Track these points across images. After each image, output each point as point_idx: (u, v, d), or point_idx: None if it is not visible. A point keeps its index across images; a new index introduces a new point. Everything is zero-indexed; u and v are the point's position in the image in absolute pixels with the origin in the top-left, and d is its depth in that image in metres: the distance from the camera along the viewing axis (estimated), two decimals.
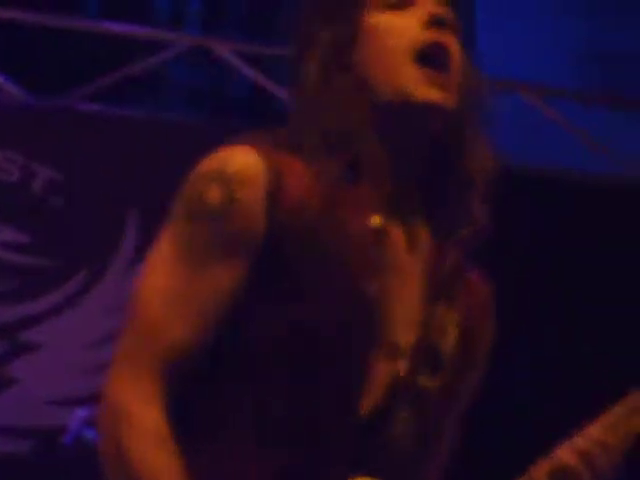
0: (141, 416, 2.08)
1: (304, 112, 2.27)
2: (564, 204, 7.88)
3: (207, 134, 7.19)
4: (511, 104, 7.49)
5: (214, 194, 2.14)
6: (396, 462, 2.29)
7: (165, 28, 8.90)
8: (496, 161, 2.28)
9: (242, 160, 2.14)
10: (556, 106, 7.90)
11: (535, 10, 9.26)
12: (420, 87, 2.13)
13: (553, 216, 7.71)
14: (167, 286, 2.15)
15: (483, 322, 2.39)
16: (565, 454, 2.10)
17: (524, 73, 8.27)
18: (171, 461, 2.06)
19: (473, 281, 2.34)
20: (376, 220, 2.16)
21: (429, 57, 2.12)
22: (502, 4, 9.31)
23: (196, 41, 7.84)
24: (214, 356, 2.18)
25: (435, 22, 2.16)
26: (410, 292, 2.23)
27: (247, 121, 8.23)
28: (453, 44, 2.17)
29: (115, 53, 7.98)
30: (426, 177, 2.25)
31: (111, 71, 7.43)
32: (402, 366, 2.17)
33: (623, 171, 7.88)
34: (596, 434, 2.13)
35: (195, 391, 2.16)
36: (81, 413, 6.57)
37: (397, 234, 2.22)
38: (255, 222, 2.10)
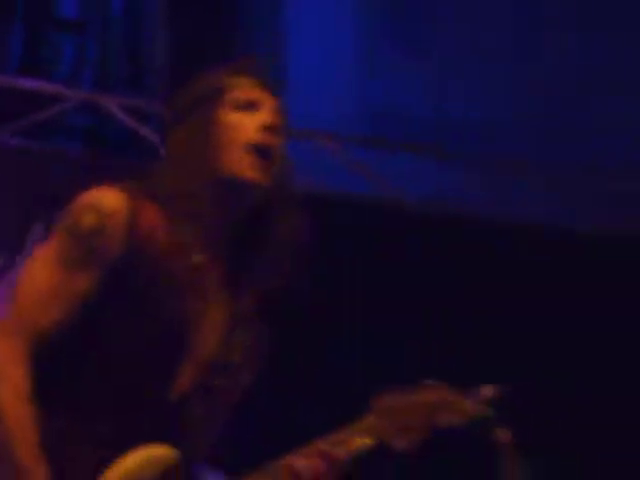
0: (10, 372, 2.58)
1: (164, 172, 2.87)
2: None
3: (90, 165, 8.84)
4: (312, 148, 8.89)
5: (88, 220, 2.67)
6: (190, 434, 2.87)
7: (66, 84, 9.83)
8: (303, 228, 2.89)
9: (112, 199, 2.69)
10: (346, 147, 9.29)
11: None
12: (246, 170, 2.72)
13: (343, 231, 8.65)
14: (42, 280, 2.68)
15: (260, 340, 3.01)
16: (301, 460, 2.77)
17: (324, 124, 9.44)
18: (27, 412, 2.57)
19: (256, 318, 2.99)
20: (198, 258, 2.73)
21: (257, 151, 2.75)
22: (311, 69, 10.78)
23: (88, 96, 9.33)
24: (65, 345, 2.70)
25: (268, 128, 2.78)
26: (217, 317, 2.83)
27: (124, 158, 9.58)
28: (277, 143, 2.80)
29: (28, 102, 9.09)
30: (246, 236, 2.84)
31: (25, 115, 8.85)
32: (202, 370, 2.78)
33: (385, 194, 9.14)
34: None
35: (50, 366, 2.68)
36: None
37: (213, 274, 2.79)
38: (114, 245, 2.65)
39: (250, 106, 2.85)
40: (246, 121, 2.80)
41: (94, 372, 2.71)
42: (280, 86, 3.06)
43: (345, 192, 9.22)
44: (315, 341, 8.21)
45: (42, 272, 2.67)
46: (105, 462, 2.64)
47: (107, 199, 2.68)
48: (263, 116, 2.81)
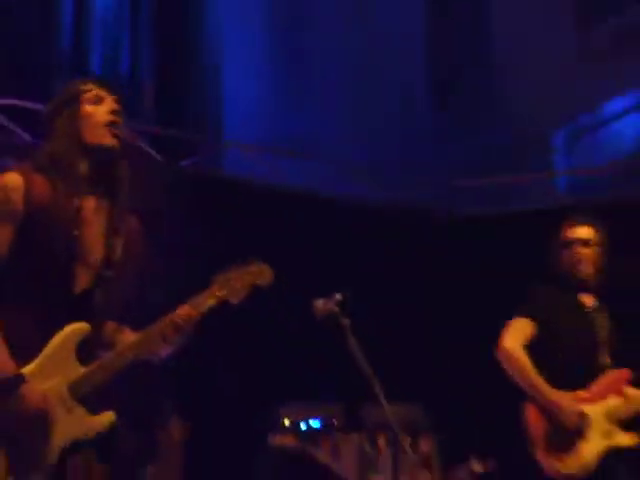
0: None
1: (47, 149, 3.65)
2: None
3: None
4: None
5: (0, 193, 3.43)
6: (95, 318, 3.54)
7: None
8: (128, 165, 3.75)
9: (12, 177, 3.48)
10: None
11: None
12: (105, 139, 3.59)
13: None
14: None
15: (135, 242, 3.76)
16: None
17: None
18: None
19: (132, 219, 3.79)
20: (77, 202, 3.53)
21: (109, 126, 3.59)
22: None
23: None
24: (12, 263, 3.46)
25: (113, 112, 3.65)
26: (97, 231, 3.59)
27: None
28: (119, 120, 3.66)
29: None
30: (105, 179, 3.64)
31: None
32: (94, 268, 3.52)
33: None
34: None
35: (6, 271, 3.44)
36: None
37: (89, 207, 3.58)
38: (17, 206, 3.43)
39: (99, 100, 3.70)
40: (99, 110, 3.67)
41: (22, 281, 3.50)
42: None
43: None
44: None
45: None
46: (42, 339, 3.38)
47: (9, 178, 3.51)
48: (108, 105, 3.69)
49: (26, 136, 9.21)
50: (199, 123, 11.74)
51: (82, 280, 3.48)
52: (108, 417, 3.44)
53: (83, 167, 3.57)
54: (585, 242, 5.27)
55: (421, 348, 9.23)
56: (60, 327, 3.38)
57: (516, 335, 5.06)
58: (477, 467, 3.48)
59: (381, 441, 8.20)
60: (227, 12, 13.14)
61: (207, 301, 3.62)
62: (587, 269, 5.24)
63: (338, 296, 4.40)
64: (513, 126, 12.55)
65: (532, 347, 5.02)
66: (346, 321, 4.36)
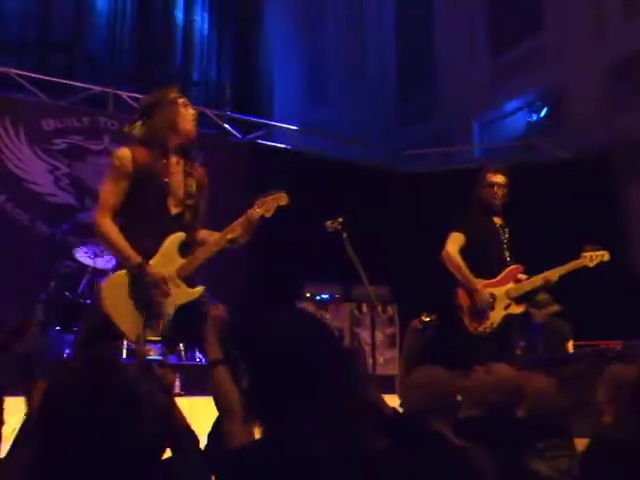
0: (112, 227, 3.25)
1: (145, 132, 3.44)
2: None
3: None
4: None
5: (116, 163, 3.34)
6: (187, 229, 3.40)
7: None
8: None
9: (124, 151, 3.36)
10: None
11: None
12: (190, 129, 3.45)
13: None
14: (107, 188, 3.32)
15: (203, 181, 3.56)
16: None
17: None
18: (120, 234, 3.24)
19: (199, 168, 3.57)
20: (165, 162, 3.37)
21: (192, 124, 3.46)
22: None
23: None
24: (125, 207, 3.30)
25: (194, 115, 3.50)
26: (179, 177, 3.42)
27: None
28: (197, 120, 3.50)
29: None
30: (182, 147, 3.44)
31: None
32: (180, 198, 3.38)
33: None
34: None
35: (120, 213, 3.29)
36: None
37: (173, 163, 3.41)
38: (129, 169, 3.31)
39: (187, 105, 3.52)
40: (188, 112, 3.51)
41: (137, 207, 3.35)
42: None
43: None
44: None
45: (107, 185, 3.37)
46: (156, 245, 3.29)
47: (121, 152, 3.40)
48: (192, 110, 3.53)
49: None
50: (259, 110, 11.71)
51: (174, 207, 3.39)
52: (200, 289, 3.39)
53: (171, 141, 3.44)
54: (501, 184, 5.01)
55: (391, 252, 9.12)
56: (166, 236, 3.32)
57: (454, 243, 4.86)
58: (425, 317, 3.41)
59: (364, 308, 8.33)
60: (276, 37, 13.24)
61: (254, 214, 3.45)
62: (500, 202, 4.98)
63: (339, 218, 4.45)
64: (448, 116, 12.72)
65: (463, 251, 4.82)
66: (345, 234, 4.42)
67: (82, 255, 7.13)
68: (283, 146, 10.10)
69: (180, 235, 3.35)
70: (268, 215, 3.55)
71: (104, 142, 8.20)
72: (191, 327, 3.24)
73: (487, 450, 2.22)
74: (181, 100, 3.47)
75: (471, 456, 2.06)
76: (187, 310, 3.30)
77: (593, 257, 4.87)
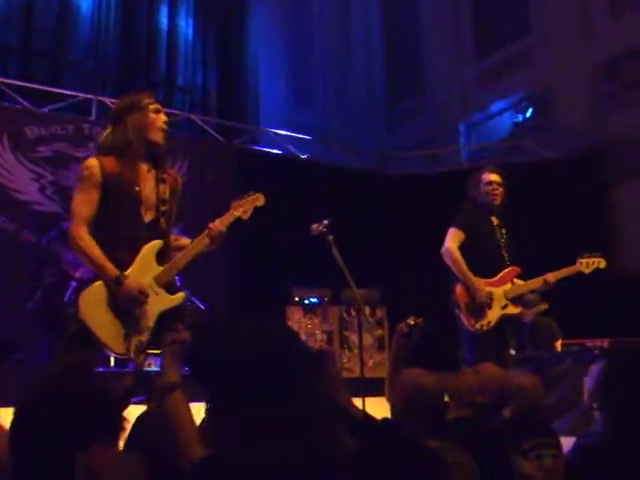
0: (85, 236, 3.17)
1: (114, 140, 3.35)
2: None
3: None
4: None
5: (85, 173, 3.26)
6: (163, 236, 3.36)
7: None
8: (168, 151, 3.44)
9: (91, 161, 3.29)
10: None
11: None
12: (159, 138, 3.36)
13: None
14: (78, 199, 3.23)
15: (177, 186, 3.51)
16: None
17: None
18: (94, 245, 3.16)
19: (172, 172, 3.53)
20: (136, 170, 3.31)
21: (163, 131, 3.35)
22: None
23: None
24: (97, 218, 3.20)
25: (165, 122, 3.40)
26: (150, 184, 3.36)
27: None
28: (167, 128, 3.41)
29: None
30: (153, 155, 3.36)
31: None
32: (153, 206, 3.32)
33: None
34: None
35: (94, 226, 3.19)
36: None
37: (143, 171, 3.35)
38: (98, 178, 3.23)
39: (157, 111, 3.42)
40: (158, 118, 3.41)
41: (109, 217, 3.28)
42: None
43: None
44: None
45: (78, 196, 3.27)
46: (132, 254, 3.26)
47: (90, 162, 3.32)
48: (163, 117, 3.43)
49: None
50: (245, 115, 11.70)
51: (147, 215, 3.33)
52: (181, 295, 3.36)
53: (142, 150, 3.36)
54: (498, 184, 5.01)
55: (380, 255, 9.18)
56: (141, 245, 3.29)
57: (453, 240, 4.84)
58: (411, 321, 3.35)
59: (352, 310, 8.35)
60: (261, 42, 13.24)
61: (228, 219, 3.46)
62: (497, 201, 4.99)
63: (325, 221, 4.42)
64: (435, 118, 12.76)
65: (462, 248, 4.81)
66: (330, 237, 4.40)
67: (68, 264, 7.08)
68: (270, 151, 10.10)
69: (157, 243, 3.32)
70: (245, 217, 3.53)
71: (89, 149, 8.12)
72: (171, 335, 3.19)
73: (467, 449, 2.20)
74: (152, 106, 3.38)
75: (444, 459, 2.06)
76: (169, 317, 3.27)
77: (589, 263, 4.94)
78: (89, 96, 8.83)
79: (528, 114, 11.53)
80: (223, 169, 9.05)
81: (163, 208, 3.37)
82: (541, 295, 6.37)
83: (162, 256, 3.34)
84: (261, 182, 8.09)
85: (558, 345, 6.67)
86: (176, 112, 9.72)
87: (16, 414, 1.43)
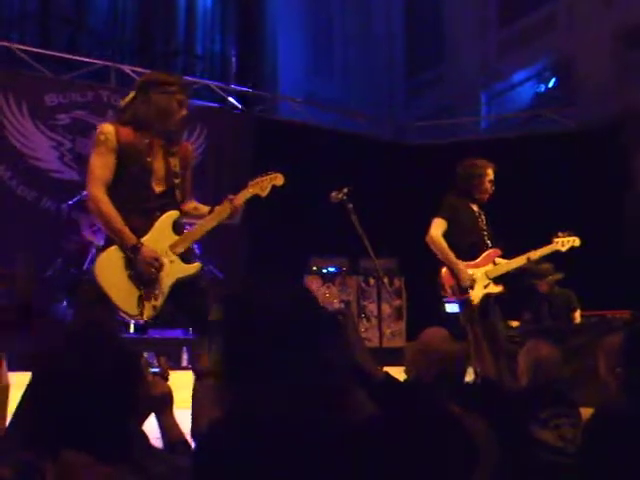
0: (103, 198, 3.23)
1: (134, 111, 3.42)
2: None
3: None
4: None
5: (102, 137, 3.32)
6: (178, 206, 3.46)
7: None
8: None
9: (107, 126, 3.36)
10: None
11: None
12: (178, 116, 3.42)
13: None
14: (96, 162, 3.30)
15: (189, 158, 3.60)
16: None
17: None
18: (113, 209, 3.22)
19: (184, 145, 3.61)
20: (148, 143, 3.36)
21: (183, 107, 3.42)
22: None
23: None
24: (114, 182, 3.27)
25: (184, 116, 3.46)
26: (160, 157, 3.42)
27: None
28: (186, 107, 3.46)
29: None
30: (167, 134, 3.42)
31: None
32: (163, 179, 3.39)
33: None
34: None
35: (110, 189, 3.26)
36: None
37: (156, 146, 3.40)
38: (113, 144, 3.29)
39: (181, 104, 3.47)
40: (180, 112, 3.47)
41: (122, 184, 3.33)
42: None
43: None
44: None
45: (96, 159, 3.33)
46: (146, 223, 3.34)
47: (106, 127, 3.40)
48: (184, 112, 3.49)
49: None
50: (263, 84, 11.64)
51: (158, 186, 3.39)
52: (197, 265, 3.44)
53: (157, 127, 3.42)
54: (491, 180, 5.21)
55: (399, 224, 8.97)
56: (153, 215, 3.37)
57: (437, 228, 5.06)
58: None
59: (371, 280, 8.36)
60: (280, 8, 13.12)
61: (245, 195, 3.58)
62: (486, 195, 5.23)
63: (345, 190, 4.56)
64: (456, 88, 12.64)
65: (446, 236, 5.03)
66: (350, 205, 4.54)
67: (88, 231, 7.10)
68: (288, 119, 10.04)
69: (174, 213, 3.39)
70: (263, 194, 3.65)
71: (108, 117, 8.12)
72: (187, 303, 3.33)
73: (485, 419, 2.20)
74: (179, 96, 3.43)
75: (467, 424, 2.05)
76: (184, 286, 3.33)
77: (565, 242, 5.17)
78: (108, 63, 8.82)
79: (551, 84, 11.37)
80: (241, 137, 9.05)
81: (176, 180, 3.44)
82: (555, 265, 6.49)
83: (177, 226, 3.42)
84: (279, 150, 8.47)
85: (577, 316, 6.68)
86: (194, 80, 9.65)
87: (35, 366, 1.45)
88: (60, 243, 7.26)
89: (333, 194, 4.60)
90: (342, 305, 8.10)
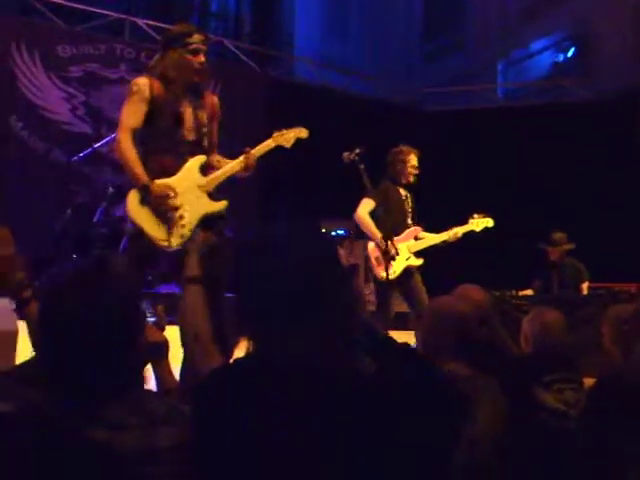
0: (130, 146, 3.50)
1: (163, 67, 3.66)
2: None
3: None
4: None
5: (136, 88, 3.59)
6: (206, 152, 3.75)
7: None
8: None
9: (142, 79, 3.62)
10: None
11: None
12: (194, 77, 3.66)
13: None
14: (128, 109, 3.57)
15: (216, 109, 3.86)
16: None
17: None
18: (135, 154, 3.50)
19: (210, 96, 3.87)
20: (175, 94, 3.63)
21: (200, 70, 3.66)
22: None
23: None
24: (145, 130, 3.55)
25: (202, 63, 3.67)
26: (189, 110, 3.69)
27: None
28: (206, 67, 3.69)
29: None
30: (192, 87, 3.68)
31: None
32: (193, 128, 3.68)
33: None
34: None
35: (139, 133, 3.54)
36: None
37: (185, 99, 3.68)
38: (147, 94, 3.56)
39: (196, 52, 3.68)
40: (195, 60, 3.67)
41: (155, 130, 3.61)
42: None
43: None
44: None
45: (127, 107, 3.61)
46: (177, 166, 3.63)
47: (140, 80, 3.66)
48: (200, 58, 3.70)
49: None
50: (279, 45, 11.53)
51: (189, 135, 3.67)
52: (223, 203, 3.71)
53: (181, 82, 3.65)
54: (414, 165, 5.72)
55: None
56: (185, 159, 3.64)
57: (364, 207, 5.47)
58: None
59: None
60: None
61: (268, 145, 3.86)
62: (410, 179, 5.73)
63: (357, 150, 4.71)
64: (473, 54, 12.51)
65: (372, 214, 5.46)
66: (362, 166, 4.69)
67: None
68: (303, 81, 10.00)
69: (202, 157, 3.69)
70: (288, 146, 3.91)
71: (120, 70, 8.14)
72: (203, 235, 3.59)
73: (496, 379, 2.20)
74: (192, 46, 3.65)
75: (472, 385, 2.05)
76: (208, 222, 3.63)
77: (479, 223, 5.72)
78: (122, 16, 8.75)
79: (570, 54, 11.23)
80: (255, 96, 9.01)
81: (204, 130, 3.72)
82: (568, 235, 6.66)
83: (204, 168, 3.73)
84: (292, 111, 8.34)
85: (585, 287, 6.71)
86: (209, 36, 9.59)
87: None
88: (69, 196, 7.25)
89: (345, 154, 4.82)
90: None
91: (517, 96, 11.38)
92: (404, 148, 5.71)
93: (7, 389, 1.38)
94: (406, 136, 9.30)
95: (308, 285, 1.35)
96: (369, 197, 5.44)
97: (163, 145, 3.60)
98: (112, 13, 8.81)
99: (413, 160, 5.71)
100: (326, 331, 1.35)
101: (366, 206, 5.48)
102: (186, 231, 3.57)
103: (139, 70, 7.81)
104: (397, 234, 5.44)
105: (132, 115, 3.56)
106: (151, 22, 8.73)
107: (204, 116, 3.73)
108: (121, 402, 1.38)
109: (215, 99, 3.90)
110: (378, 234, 5.33)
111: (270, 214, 8.64)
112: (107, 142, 7.58)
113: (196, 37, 3.69)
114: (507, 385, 2.35)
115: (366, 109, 9.67)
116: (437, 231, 5.73)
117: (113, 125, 7.46)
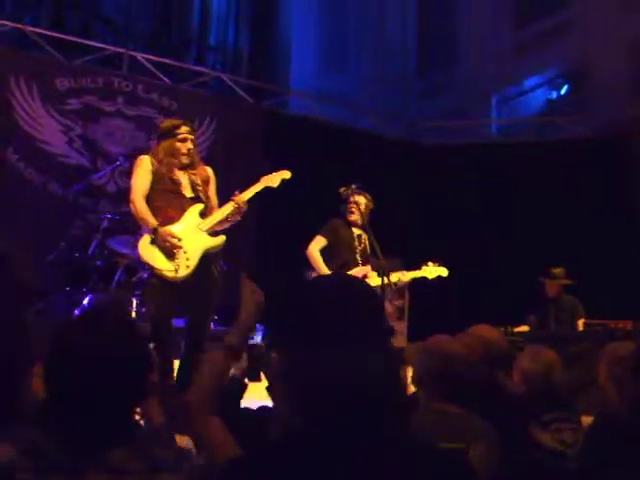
0: (143, 207, 4.40)
1: (159, 152, 4.54)
2: None
3: None
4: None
5: (141, 162, 4.50)
6: (204, 203, 4.54)
7: None
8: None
9: (146, 156, 4.53)
10: None
11: None
12: (184, 160, 4.53)
13: None
14: (137, 181, 4.47)
15: (208, 177, 4.69)
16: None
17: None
18: (146, 207, 4.40)
19: (201, 167, 4.68)
20: (177, 174, 4.52)
21: (187, 155, 4.55)
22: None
23: None
24: (151, 194, 4.44)
25: (189, 149, 4.55)
26: (184, 176, 4.55)
27: None
28: (193, 151, 4.55)
29: None
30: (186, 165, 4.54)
31: None
32: (191, 195, 4.51)
33: None
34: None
35: (152, 198, 4.42)
36: None
37: (179, 171, 4.54)
38: (149, 167, 4.46)
39: (184, 140, 4.57)
40: (183, 146, 4.56)
41: (158, 191, 4.46)
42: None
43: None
44: None
45: (136, 177, 4.50)
46: (179, 215, 4.47)
47: (144, 157, 4.55)
48: (188, 145, 4.57)
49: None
50: (275, 77, 11.62)
51: (185, 191, 4.51)
52: (222, 238, 4.47)
53: (172, 163, 4.49)
54: (360, 210, 5.68)
55: (405, 224, 9.10)
56: (186, 208, 4.46)
57: (315, 244, 5.73)
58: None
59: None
60: (295, 3, 13.07)
61: (256, 188, 4.62)
62: (359, 218, 5.71)
63: (353, 185, 5.10)
64: (467, 90, 12.59)
65: (322, 251, 5.70)
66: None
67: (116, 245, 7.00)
68: (299, 113, 10.01)
69: (200, 205, 4.48)
70: (274, 185, 4.61)
71: (117, 103, 8.18)
72: (200, 289, 4.36)
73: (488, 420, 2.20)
74: (180, 136, 4.50)
75: (465, 424, 2.03)
76: (209, 258, 4.39)
77: (432, 271, 5.86)
78: (120, 50, 8.82)
79: (563, 91, 11.35)
80: (251, 130, 8.99)
81: (198, 188, 4.50)
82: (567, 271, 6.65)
83: (203, 214, 4.49)
84: (289, 145, 8.36)
85: (581, 324, 6.71)
86: (206, 71, 9.70)
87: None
88: (64, 228, 7.26)
89: (342, 189, 4.82)
90: None
91: (511, 132, 11.45)
92: (353, 188, 5.53)
93: (9, 429, 1.37)
94: (402, 169, 9.78)
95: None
96: (320, 235, 5.75)
97: (169, 203, 4.40)
98: (110, 47, 8.88)
99: (359, 205, 5.70)
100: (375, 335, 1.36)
101: (318, 243, 5.75)
102: (192, 264, 4.32)
103: (136, 103, 8.26)
104: (346, 271, 5.48)
105: (141, 182, 4.42)
106: (149, 56, 8.79)
107: (197, 179, 4.53)
108: (124, 446, 1.37)
109: (207, 169, 4.68)
110: (325, 271, 5.53)
111: (267, 248, 8.62)
112: (103, 174, 7.64)
113: (184, 129, 4.52)
114: (503, 424, 2.35)
115: (362, 143, 9.73)
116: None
117: (109, 157, 7.84)
